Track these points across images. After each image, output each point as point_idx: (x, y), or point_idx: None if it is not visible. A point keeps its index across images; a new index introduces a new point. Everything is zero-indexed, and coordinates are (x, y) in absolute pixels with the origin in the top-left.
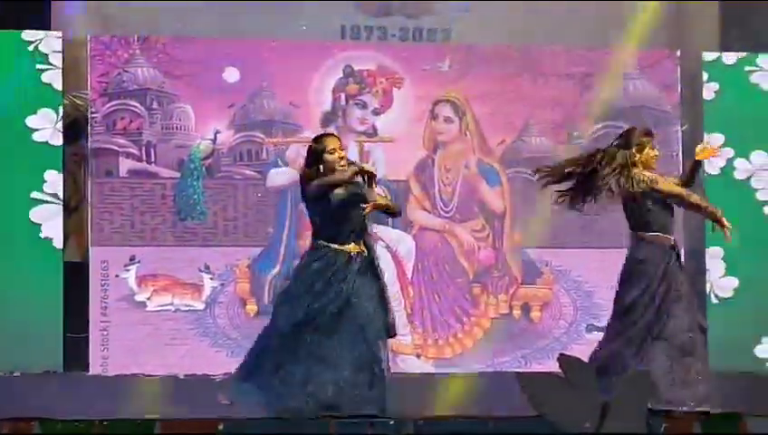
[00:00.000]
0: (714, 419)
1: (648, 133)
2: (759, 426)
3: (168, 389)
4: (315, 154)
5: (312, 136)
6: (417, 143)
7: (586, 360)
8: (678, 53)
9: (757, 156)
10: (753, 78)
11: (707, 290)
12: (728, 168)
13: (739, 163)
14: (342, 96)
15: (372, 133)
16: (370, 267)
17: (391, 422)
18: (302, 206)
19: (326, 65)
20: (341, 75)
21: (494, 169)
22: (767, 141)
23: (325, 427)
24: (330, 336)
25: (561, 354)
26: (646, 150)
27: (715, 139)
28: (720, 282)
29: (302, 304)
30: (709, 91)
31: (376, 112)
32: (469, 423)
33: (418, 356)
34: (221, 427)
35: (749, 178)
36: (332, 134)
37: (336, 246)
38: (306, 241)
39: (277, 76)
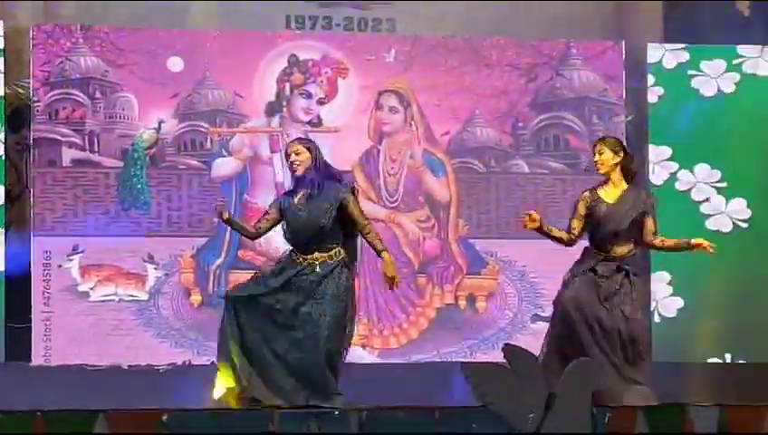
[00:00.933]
0: (657, 409)
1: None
2: (702, 416)
3: (112, 380)
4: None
5: (257, 126)
6: (362, 133)
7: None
8: (623, 43)
9: (701, 169)
10: (694, 83)
11: (652, 308)
12: (672, 179)
13: (682, 174)
14: (287, 86)
15: (317, 123)
16: (341, 270)
17: (336, 414)
18: (246, 196)
19: (270, 55)
20: (286, 65)
21: (440, 160)
22: (709, 152)
23: (266, 421)
24: (281, 332)
25: (506, 344)
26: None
27: (661, 152)
28: (665, 302)
29: (258, 299)
30: (653, 95)
31: (321, 102)
32: (414, 414)
33: (364, 347)
34: (165, 418)
35: (690, 189)
36: (296, 139)
37: (302, 255)
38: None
39: (221, 66)
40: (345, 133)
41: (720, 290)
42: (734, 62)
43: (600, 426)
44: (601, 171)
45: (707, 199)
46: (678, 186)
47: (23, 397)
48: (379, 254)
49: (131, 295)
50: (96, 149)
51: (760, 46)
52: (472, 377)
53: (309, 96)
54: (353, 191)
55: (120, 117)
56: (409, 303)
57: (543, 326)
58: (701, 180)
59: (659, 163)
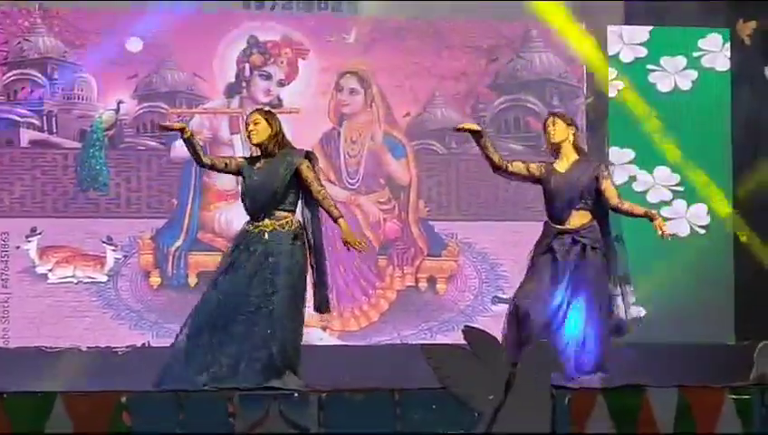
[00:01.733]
0: (616, 392)
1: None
2: (661, 398)
3: (71, 361)
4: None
5: (217, 107)
6: (323, 115)
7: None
8: (584, 25)
9: (659, 171)
10: (652, 78)
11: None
12: (630, 179)
13: (641, 176)
14: (247, 67)
15: (277, 104)
16: (293, 242)
17: (295, 396)
18: (206, 177)
19: (230, 36)
20: (246, 46)
21: (400, 142)
22: (664, 152)
23: (225, 403)
24: (237, 310)
25: (467, 326)
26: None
27: (622, 154)
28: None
29: (216, 280)
30: (613, 88)
31: (281, 83)
32: (374, 396)
33: (324, 329)
34: (124, 399)
35: (646, 191)
36: (256, 110)
37: (253, 223)
38: (210, 212)
39: (181, 47)
40: (305, 115)
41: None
42: (694, 54)
43: (560, 407)
44: (555, 140)
45: (667, 202)
46: (636, 186)
47: None
48: (335, 220)
49: (90, 277)
50: (54, 130)
51: (719, 37)
52: (432, 359)
53: (269, 77)
54: (309, 157)
55: (79, 98)
56: (370, 285)
57: (504, 308)
58: (660, 183)
59: (620, 165)
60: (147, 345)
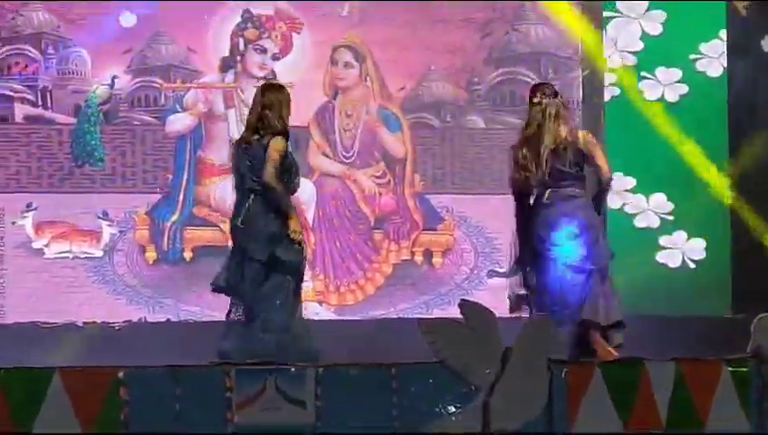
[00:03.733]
0: (614, 364)
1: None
2: (658, 370)
3: (68, 337)
4: None
5: (211, 81)
6: (318, 89)
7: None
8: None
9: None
10: (642, 85)
11: None
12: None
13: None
14: (241, 41)
15: (272, 78)
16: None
17: (292, 370)
18: (201, 152)
19: (225, 10)
20: (240, 20)
21: (395, 115)
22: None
23: (222, 377)
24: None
25: (463, 300)
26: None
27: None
28: None
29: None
30: (608, 93)
31: (275, 57)
32: (371, 370)
33: (320, 303)
34: (121, 374)
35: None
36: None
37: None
38: (205, 187)
39: (175, 21)
40: (300, 89)
41: None
42: (691, 56)
43: (557, 381)
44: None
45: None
46: (629, 209)
47: None
48: None
49: (86, 252)
50: (49, 106)
51: (722, 45)
52: (428, 333)
53: (263, 51)
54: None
55: (73, 73)
56: (366, 259)
57: (500, 282)
58: (652, 208)
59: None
60: (143, 320)
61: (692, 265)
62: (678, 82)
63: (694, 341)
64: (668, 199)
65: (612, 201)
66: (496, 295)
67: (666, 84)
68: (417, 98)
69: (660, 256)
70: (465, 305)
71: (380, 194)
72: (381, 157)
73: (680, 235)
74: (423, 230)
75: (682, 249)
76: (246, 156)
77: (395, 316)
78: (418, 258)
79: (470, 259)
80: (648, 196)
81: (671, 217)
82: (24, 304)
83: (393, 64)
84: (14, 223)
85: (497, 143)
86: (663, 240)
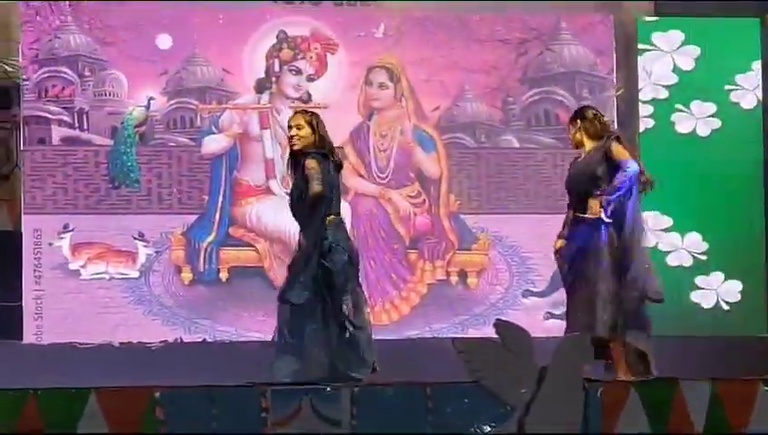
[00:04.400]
0: (649, 383)
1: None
2: (694, 390)
3: (104, 357)
4: None
5: (246, 102)
6: (352, 109)
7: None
8: (612, 17)
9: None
10: (675, 117)
11: None
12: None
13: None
14: (276, 62)
15: (307, 99)
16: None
17: (327, 390)
18: (237, 173)
19: (260, 31)
20: (275, 41)
21: (430, 136)
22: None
23: (258, 398)
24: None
25: (498, 320)
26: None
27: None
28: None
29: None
30: (643, 126)
31: (310, 78)
32: (406, 390)
33: None
34: (157, 395)
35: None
36: (299, 111)
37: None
38: (241, 208)
39: (210, 42)
40: (335, 110)
41: None
42: (726, 87)
43: (593, 400)
44: (574, 143)
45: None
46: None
47: (15, 375)
48: None
49: (122, 273)
50: (86, 127)
51: (757, 76)
52: (464, 353)
53: (298, 72)
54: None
55: (110, 94)
56: (401, 279)
57: (535, 302)
58: (685, 247)
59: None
60: (179, 341)
61: (725, 307)
62: (712, 116)
63: (729, 360)
64: (703, 240)
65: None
66: (531, 315)
67: (699, 117)
68: (451, 118)
69: (695, 296)
70: (500, 325)
71: (415, 214)
72: (416, 177)
73: (717, 275)
74: (458, 250)
75: (717, 291)
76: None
77: (430, 336)
78: (453, 278)
79: (505, 279)
80: (684, 234)
81: (704, 257)
82: (60, 325)
83: (427, 84)
84: (50, 244)
85: (532, 163)
86: (699, 280)
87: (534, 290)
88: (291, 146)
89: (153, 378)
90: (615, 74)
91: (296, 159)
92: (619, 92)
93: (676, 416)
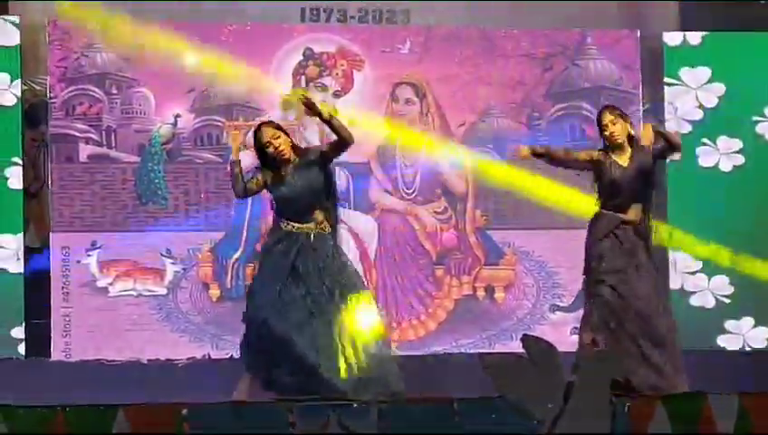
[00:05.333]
0: (676, 398)
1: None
2: (721, 404)
3: (132, 374)
4: (257, 147)
5: (273, 119)
6: (379, 126)
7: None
8: (638, 32)
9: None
10: (699, 152)
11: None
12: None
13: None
14: (302, 79)
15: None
16: (333, 244)
17: (355, 406)
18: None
19: (286, 48)
20: (301, 58)
21: (456, 151)
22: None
23: (286, 414)
24: (297, 318)
25: (525, 335)
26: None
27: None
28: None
29: (270, 286)
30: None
31: (336, 95)
32: (432, 406)
33: None
34: (185, 412)
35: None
36: (262, 124)
37: (296, 225)
38: (268, 223)
39: (237, 59)
40: (361, 126)
41: None
42: (754, 118)
43: (620, 415)
44: (619, 141)
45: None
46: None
47: (43, 392)
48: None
49: (150, 290)
50: (113, 145)
51: None
52: (490, 368)
53: (324, 89)
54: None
55: (137, 112)
56: (427, 294)
57: (562, 317)
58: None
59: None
60: (207, 357)
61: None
62: (737, 152)
63: (757, 374)
64: (730, 283)
65: (674, 281)
66: (558, 330)
67: (723, 153)
68: (477, 133)
69: (721, 340)
70: (527, 340)
71: (442, 230)
72: (442, 193)
73: (747, 320)
74: (484, 265)
75: (745, 336)
76: None
77: (457, 351)
78: (480, 293)
79: (532, 294)
80: (711, 277)
81: (728, 301)
82: (88, 342)
83: (453, 100)
84: (78, 262)
85: (557, 178)
86: (728, 324)
87: (561, 305)
88: (281, 157)
89: (181, 395)
90: (641, 89)
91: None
92: (646, 107)
93: (704, 430)
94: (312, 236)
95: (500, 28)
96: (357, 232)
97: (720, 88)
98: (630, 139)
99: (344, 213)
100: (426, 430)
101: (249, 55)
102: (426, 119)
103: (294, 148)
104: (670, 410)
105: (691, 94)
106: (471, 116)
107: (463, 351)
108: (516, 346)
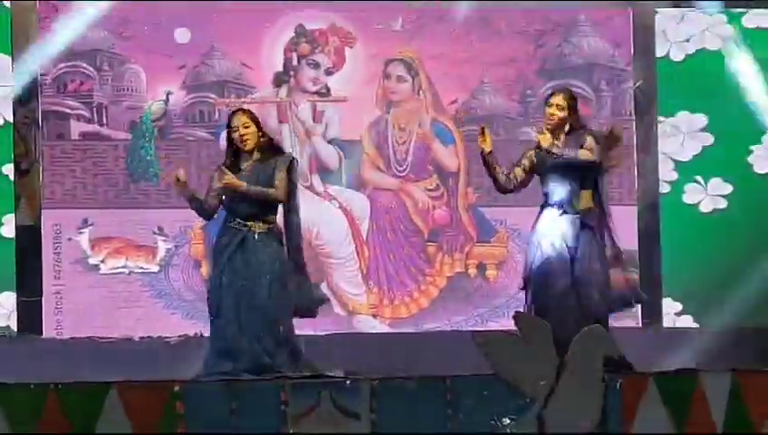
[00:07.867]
0: (669, 376)
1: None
2: (714, 382)
3: (124, 351)
4: (227, 129)
5: (265, 96)
6: (371, 102)
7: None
8: (631, 10)
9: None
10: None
11: None
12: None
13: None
14: (294, 56)
15: (325, 93)
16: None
17: (347, 383)
18: None
19: (277, 25)
20: (293, 35)
21: (448, 128)
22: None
23: (278, 391)
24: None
25: (517, 312)
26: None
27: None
28: None
29: (216, 277)
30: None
31: (328, 72)
32: (425, 383)
33: (375, 316)
34: (177, 388)
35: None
36: (240, 110)
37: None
38: None
39: (228, 36)
40: (353, 103)
41: None
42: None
43: (612, 393)
44: (550, 127)
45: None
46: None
47: (35, 369)
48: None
49: (142, 267)
50: (104, 122)
51: None
52: (483, 346)
53: (316, 66)
54: (291, 165)
55: (128, 89)
56: (420, 272)
57: None
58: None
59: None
60: (199, 335)
61: None
62: (724, 196)
63: (750, 352)
64: None
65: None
66: None
67: (711, 195)
68: (469, 110)
69: None
70: (519, 317)
71: (434, 207)
72: (434, 170)
73: None
74: (477, 243)
75: None
76: None
77: (449, 329)
78: (472, 271)
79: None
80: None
81: None
82: (80, 320)
83: (446, 77)
84: (69, 239)
85: None
86: None
87: None
88: (242, 145)
89: (173, 372)
90: (633, 66)
91: (240, 155)
92: (638, 84)
93: (696, 408)
94: (255, 234)
95: (493, 5)
96: (349, 209)
97: (708, 137)
98: (571, 131)
99: (336, 191)
100: (418, 407)
101: (241, 32)
102: (418, 96)
103: (262, 146)
104: (662, 387)
105: (680, 137)
106: (463, 93)
107: (455, 328)
108: (508, 323)
